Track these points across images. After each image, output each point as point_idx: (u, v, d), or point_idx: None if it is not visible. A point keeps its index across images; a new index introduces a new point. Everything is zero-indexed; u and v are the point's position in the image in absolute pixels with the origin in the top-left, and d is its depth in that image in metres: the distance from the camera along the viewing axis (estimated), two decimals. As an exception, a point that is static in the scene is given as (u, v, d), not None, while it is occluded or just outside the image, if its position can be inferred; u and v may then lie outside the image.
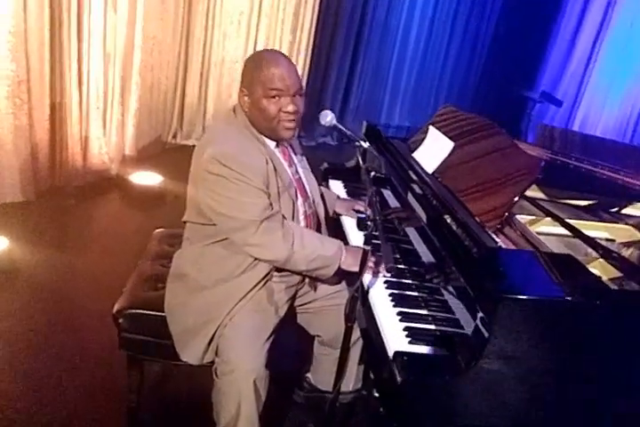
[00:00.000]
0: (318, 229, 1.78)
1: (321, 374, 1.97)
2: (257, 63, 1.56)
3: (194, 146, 5.05)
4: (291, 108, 1.53)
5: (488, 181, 1.70)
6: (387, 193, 2.18)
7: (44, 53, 3.06)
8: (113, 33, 3.59)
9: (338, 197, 2.06)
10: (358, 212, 2.00)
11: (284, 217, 1.60)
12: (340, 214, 2.03)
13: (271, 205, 1.56)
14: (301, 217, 1.69)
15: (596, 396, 1.34)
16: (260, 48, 4.96)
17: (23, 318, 2.30)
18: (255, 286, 1.61)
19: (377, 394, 1.98)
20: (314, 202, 1.76)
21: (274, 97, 1.52)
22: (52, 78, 3.18)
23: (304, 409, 1.99)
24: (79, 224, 3.21)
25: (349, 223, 1.96)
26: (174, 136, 4.91)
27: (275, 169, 1.58)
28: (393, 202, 2.12)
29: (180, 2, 4.39)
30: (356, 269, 1.54)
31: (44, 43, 3.04)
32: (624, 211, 2.13)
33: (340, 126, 1.42)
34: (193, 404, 1.91)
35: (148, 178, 3.76)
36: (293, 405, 2.00)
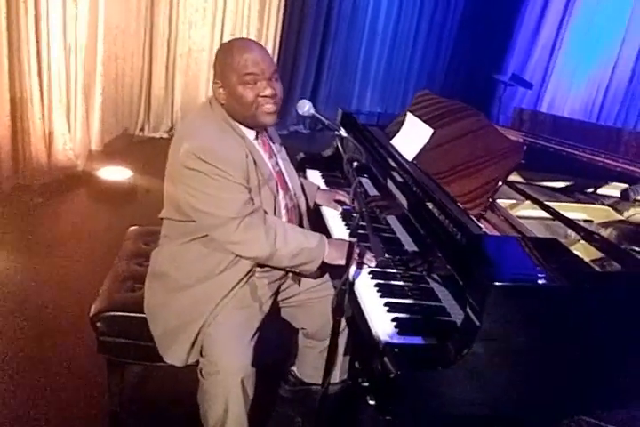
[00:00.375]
0: (300, 223, 1.74)
1: (306, 367, 1.97)
2: (227, 52, 1.51)
3: (162, 138, 4.95)
4: (268, 91, 1.48)
5: (465, 162, 1.69)
6: (364, 181, 2.15)
7: (1, 45, 2.91)
8: (73, 22, 3.45)
9: (318, 187, 2.02)
10: (339, 202, 1.97)
11: (265, 212, 1.55)
12: (321, 205, 1.99)
13: (252, 200, 1.51)
14: (283, 211, 1.64)
15: (586, 376, 1.35)
16: (227, 36, 4.88)
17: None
18: (238, 283, 1.57)
19: (365, 384, 1.99)
20: (295, 194, 1.72)
21: (249, 83, 1.47)
22: (10, 72, 3.04)
23: (291, 403, 1.98)
24: (47, 224, 3.09)
25: (330, 215, 1.92)
26: (142, 129, 4.80)
27: (255, 162, 1.54)
28: (372, 191, 2.09)
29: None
30: (341, 262, 1.53)
31: (0, 34, 2.89)
32: (600, 191, 2.15)
33: (319, 115, 1.38)
34: (177, 405, 1.87)
35: (116, 173, 3.66)
36: (279, 399, 1.98)
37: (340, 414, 1.92)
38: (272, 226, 1.51)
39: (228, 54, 1.49)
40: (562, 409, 1.43)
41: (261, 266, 1.62)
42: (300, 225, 1.74)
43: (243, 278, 1.57)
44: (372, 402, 1.88)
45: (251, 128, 1.58)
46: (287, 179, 1.70)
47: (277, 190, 1.62)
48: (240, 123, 1.56)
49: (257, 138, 1.61)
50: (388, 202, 1.83)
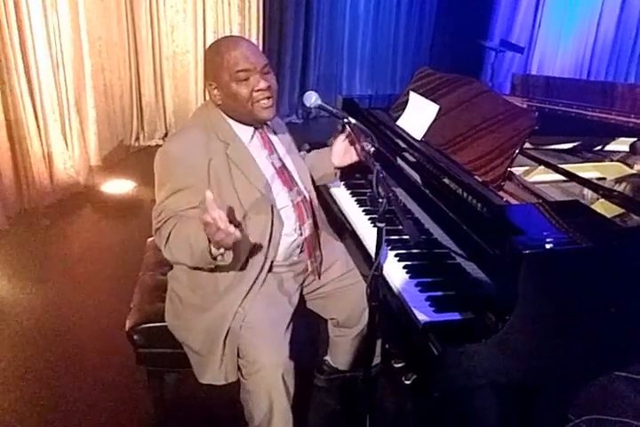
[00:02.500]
0: (314, 215, 1.73)
1: (340, 356, 1.98)
2: (216, 51, 1.51)
3: (158, 146, 4.94)
4: (263, 84, 1.47)
5: (471, 128, 1.69)
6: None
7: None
8: (57, 39, 3.41)
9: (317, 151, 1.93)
10: (353, 145, 1.77)
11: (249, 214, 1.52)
12: (341, 168, 1.86)
13: (201, 209, 1.43)
14: (290, 208, 1.62)
15: (621, 330, 1.36)
16: (209, 34, 4.84)
17: (22, 357, 2.16)
18: (250, 289, 1.56)
19: (398, 365, 2.01)
20: (305, 188, 1.70)
21: (242, 79, 1.47)
22: (2, 95, 3.02)
23: (327, 392, 2.00)
24: (60, 245, 3.08)
25: (346, 203, 1.91)
26: (137, 138, 4.78)
27: (233, 165, 1.52)
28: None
29: (120, -2, 4.21)
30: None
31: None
32: (608, 148, 2.14)
33: (325, 105, 1.37)
34: (220, 407, 1.88)
35: (119, 186, 3.67)
36: (315, 389, 2.00)
37: (376, 396, 1.94)
38: (167, 232, 1.45)
39: (217, 54, 1.49)
40: (599, 366, 1.45)
41: (279, 266, 1.63)
42: (314, 218, 1.73)
43: (250, 289, 1.56)
44: (407, 382, 1.91)
45: (250, 125, 1.58)
46: (293, 173, 1.68)
47: (282, 187, 1.61)
48: (239, 121, 1.56)
49: (253, 137, 1.59)
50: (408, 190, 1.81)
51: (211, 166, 1.49)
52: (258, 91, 1.48)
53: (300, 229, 1.65)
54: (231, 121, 1.56)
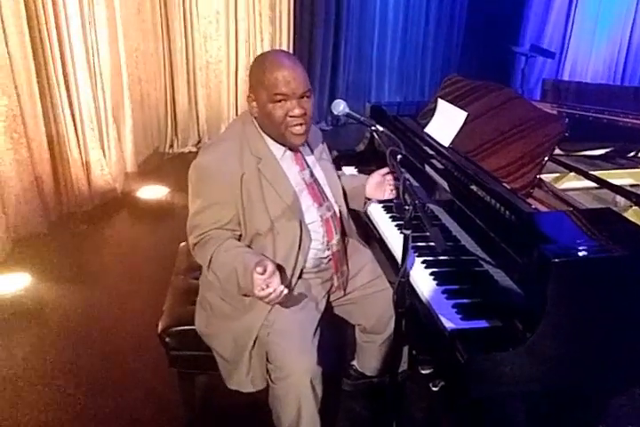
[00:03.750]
0: (343, 230, 1.74)
1: (367, 361, 1.98)
2: (260, 67, 1.49)
3: (191, 153, 5.01)
4: (297, 111, 1.47)
5: (499, 134, 1.68)
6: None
7: (32, 84, 3.01)
8: (95, 52, 3.53)
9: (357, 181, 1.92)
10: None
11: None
12: (373, 200, 1.87)
13: (232, 222, 1.54)
14: (318, 223, 1.63)
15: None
16: (241, 43, 4.93)
17: (61, 357, 2.25)
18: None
19: (425, 371, 2.00)
20: (336, 202, 1.71)
21: (279, 101, 1.47)
22: (43, 107, 3.14)
23: (355, 397, 2.00)
24: (96, 249, 3.18)
25: (378, 215, 1.91)
26: (171, 146, 4.89)
27: (264, 180, 1.54)
28: (411, 181, 2.09)
29: (155, 10, 4.33)
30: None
31: (30, 73, 2.98)
32: (642, 154, 2.10)
33: (353, 113, 1.39)
34: (249, 411, 1.89)
35: (153, 192, 3.74)
36: (343, 394, 2.01)
37: (403, 402, 1.94)
38: (212, 252, 1.52)
39: (260, 70, 1.48)
40: (630, 375, 1.42)
41: (312, 267, 1.65)
42: (343, 232, 1.75)
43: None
44: (434, 388, 1.91)
45: (282, 145, 1.59)
46: (325, 188, 1.69)
47: (312, 203, 1.62)
48: (271, 137, 1.57)
49: (285, 153, 1.60)
50: (436, 197, 1.81)
51: (243, 181, 1.51)
52: (292, 116, 1.48)
53: (328, 244, 1.66)
54: (265, 136, 1.58)
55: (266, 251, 1.56)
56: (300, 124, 1.50)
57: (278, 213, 1.54)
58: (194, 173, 1.54)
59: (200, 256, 1.56)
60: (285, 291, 1.37)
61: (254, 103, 1.53)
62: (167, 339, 1.67)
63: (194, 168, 1.54)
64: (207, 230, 1.53)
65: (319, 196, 1.65)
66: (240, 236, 1.58)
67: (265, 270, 1.34)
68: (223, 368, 1.63)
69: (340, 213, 1.73)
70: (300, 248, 1.58)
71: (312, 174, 1.66)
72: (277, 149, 1.59)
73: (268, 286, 1.35)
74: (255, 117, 1.57)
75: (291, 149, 1.61)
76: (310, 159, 1.69)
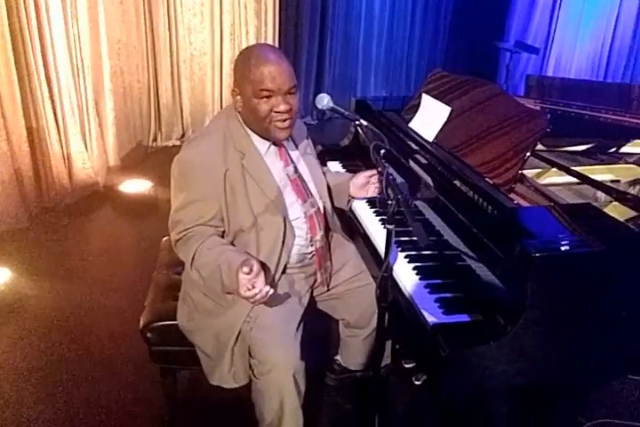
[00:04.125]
0: (327, 226, 1.74)
1: (351, 356, 1.99)
2: (246, 62, 1.47)
3: (175, 146, 4.97)
4: (283, 107, 1.45)
5: (483, 130, 1.69)
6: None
7: (11, 76, 2.96)
8: (77, 43, 3.47)
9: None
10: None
11: (244, 231, 1.55)
12: (357, 198, 1.85)
13: (216, 219, 1.53)
14: (302, 219, 1.62)
15: (632, 335, 1.36)
16: (226, 36, 4.89)
17: (41, 352, 2.22)
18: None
19: (408, 365, 2.02)
20: (320, 198, 1.71)
21: (264, 97, 1.45)
22: (23, 99, 3.08)
23: (338, 391, 2.01)
24: (77, 243, 3.14)
25: (362, 210, 1.91)
26: (155, 139, 4.84)
27: (248, 176, 1.52)
28: (396, 176, 2.09)
29: (139, 1, 4.27)
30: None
31: (9, 65, 2.93)
32: (622, 150, 2.12)
33: (337, 107, 1.38)
34: (231, 405, 1.89)
35: (136, 186, 3.71)
36: (326, 388, 2.02)
37: (386, 396, 1.95)
38: (195, 249, 1.50)
39: (245, 65, 1.46)
40: (610, 370, 1.44)
41: (296, 262, 1.65)
42: (327, 228, 1.74)
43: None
44: (417, 382, 1.92)
45: (266, 140, 1.57)
46: (309, 184, 1.68)
47: (295, 199, 1.61)
48: (255, 133, 1.56)
49: (269, 148, 1.58)
50: (419, 192, 1.82)
51: (227, 177, 1.50)
52: (277, 112, 1.46)
53: (312, 240, 1.66)
54: (249, 131, 1.56)
55: (249, 247, 1.55)
56: (285, 120, 1.48)
57: (262, 210, 1.53)
58: (177, 168, 1.52)
59: (183, 253, 1.55)
60: (271, 291, 1.36)
61: (239, 97, 1.51)
62: (149, 334, 1.66)
63: (177, 163, 1.52)
64: (190, 227, 1.51)
65: (303, 192, 1.64)
66: (223, 232, 1.57)
67: (251, 270, 1.33)
68: (205, 364, 1.62)
69: (325, 209, 1.73)
70: (283, 244, 1.57)
71: (296, 170, 1.65)
72: (261, 145, 1.57)
73: (253, 287, 1.34)
74: (239, 112, 1.54)
75: (275, 144, 1.59)
76: (295, 155, 1.68)
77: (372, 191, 1.75)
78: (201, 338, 1.61)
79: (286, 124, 1.50)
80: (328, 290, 1.79)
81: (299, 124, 1.71)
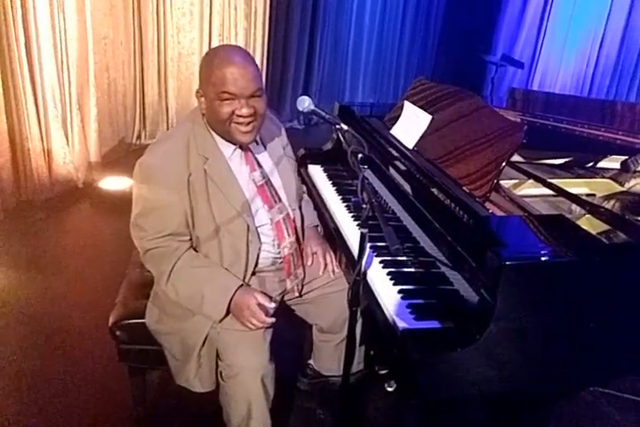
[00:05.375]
0: (296, 235, 1.70)
1: (324, 361, 1.98)
2: (209, 63, 1.43)
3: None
4: (245, 111, 1.41)
5: (465, 144, 1.70)
6: (367, 172, 2.16)
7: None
8: (63, 37, 3.44)
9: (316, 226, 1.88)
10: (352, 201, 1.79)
11: (194, 247, 1.54)
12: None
13: (188, 227, 1.50)
14: (268, 226, 1.59)
15: (599, 346, 1.38)
16: (215, 37, 4.88)
17: (10, 346, 2.18)
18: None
19: (382, 372, 2.01)
20: (289, 205, 1.66)
21: (226, 99, 1.41)
22: (5, 91, 3.04)
23: (310, 396, 2.00)
24: (53, 239, 3.10)
25: (336, 207, 1.91)
26: (138, 137, 4.80)
27: (210, 181, 1.49)
28: (374, 181, 2.10)
29: (127, -1, 4.25)
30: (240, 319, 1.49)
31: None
32: (599, 164, 2.16)
33: (319, 110, 1.37)
34: (200, 407, 1.87)
35: (116, 183, 3.67)
36: (298, 393, 2.00)
37: (359, 402, 1.95)
38: (170, 270, 1.49)
39: (208, 66, 1.42)
40: (577, 380, 1.46)
41: (267, 265, 1.63)
42: (297, 237, 1.70)
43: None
44: (389, 389, 1.92)
45: (232, 143, 1.54)
46: (279, 190, 1.64)
47: (261, 205, 1.57)
48: (219, 135, 1.52)
49: (234, 153, 1.54)
50: (397, 198, 1.83)
51: (190, 182, 1.46)
52: (239, 115, 1.42)
53: (279, 247, 1.63)
54: (214, 134, 1.52)
55: (212, 255, 1.53)
56: (248, 123, 1.45)
57: (224, 217, 1.49)
58: (138, 173, 1.47)
59: (153, 266, 1.53)
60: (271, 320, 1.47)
61: (202, 99, 1.47)
62: (118, 332, 1.63)
63: (138, 167, 1.47)
64: (156, 238, 1.47)
65: (270, 198, 1.60)
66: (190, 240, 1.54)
67: (267, 314, 1.45)
68: (173, 366, 1.61)
69: (295, 215, 1.69)
70: (248, 252, 1.54)
71: (264, 176, 1.60)
72: (226, 148, 1.53)
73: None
74: (203, 114, 1.51)
75: (241, 148, 1.56)
76: (263, 158, 1.64)
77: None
78: (168, 340, 1.59)
79: (249, 127, 1.45)
80: (300, 296, 1.77)
81: (270, 126, 1.68)
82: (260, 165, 1.61)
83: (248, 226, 1.53)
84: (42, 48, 3.24)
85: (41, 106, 3.31)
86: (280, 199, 1.64)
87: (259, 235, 1.57)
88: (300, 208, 1.77)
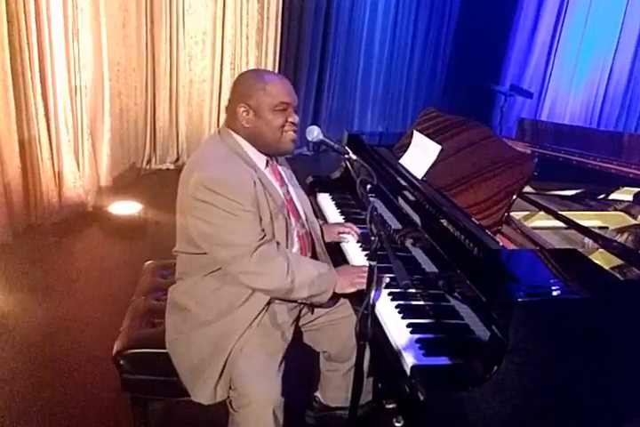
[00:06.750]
0: (314, 249, 1.74)
1: (330, 391, 1.94)
2: (258, 77, 1.57)
3: (169, 170, 4.97)
4: (296, 118, 1.57)
5: (472, 173, 1.70)
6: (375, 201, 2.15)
7: (7, 90, 2.97)
8: (77, 62, 3.51)
9: (324, 223, 2.02)
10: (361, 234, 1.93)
11: (277, 243, 1.56)
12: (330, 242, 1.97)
13: (263, 230, 1.52)
14: (295, 239, 1.65)
15: (616, 386, 1.32)
16: (226, 65, 4.97)
17: (14, 371, 2.17)
18: (258, 314, 1.56)
19: (390, 406, 1.96)
20: (307, 220, 1.73)
21: (281, 110, 1.54)
22: (18, 114, 3.08)
23: (317, 430, 1.94)
24: (62, 263, 3.10)
25: (351, 250, 1.91)
26: (148, 162, 4.85)
27: (265, 190, 1.55)
28: (383, 211, 2.09)
29: (141, 26, 4.35)
30: (349, 289, 1.56)
31: (6, 79, 2.95)
32: (611, 196, 2.14)
33: (327, 140, 1.39)
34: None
35: (126, 207, 3.68)
36: (305, 426, 1.95)
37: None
38: (285, 256, 1.52)
39: (259, 80, 1.55)
40: (594, 422, 1.40)
41: None
42: (314, 251, 1.73)
43: (263, 309, 1.56)
44: (397, 424, 1.86)
45: (266, 154, 1.61)
46: (298, 206, 1.71)
47: (290, 218, 1.63)
48: (258, 148, 1.59)
49: (267, 166, 1.63)
50: (406, 229, 1.82)
51: (256, 189, 1.51)
52: (290, 123, 1.56)
53: None
54: (248, 149, 1.59)
55: None
56: (294, 131, 1.59)
57: (277, 225, 1.56)
58: (211, 187, 1.44)
59: (265, 265, 1.49)
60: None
61: (246, 114, 1.55)
62: (121, 361, 1.61)
63: (207, 183, 1.44)
64: (253, 242, 1.47)
65: (296, 212, 1.67)
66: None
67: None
68: (189, 380, 1.56)
69: (313, 233, 1.74)
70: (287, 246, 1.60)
71: (289, 191, 1.69)
72: (260, 162, 1.61)
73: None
74: (246, 128, 1.56)
75: (269, 161, 1.63)
76: (285, 177, 1.72)
77: (335, 239, 1.93)
78: (188, 350, 1.56)
79: (295, 136, 1.60)
80: (311, 321, 1.76)
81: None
82: (284, 182, 1.69)
83: (287, 233, 1.59)
84: (56, 73, 3.31)
85: (53, 130, 3.36)
86: (300, 215, 1.70)
87: (294, 243, 1.63)
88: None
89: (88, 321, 2.52)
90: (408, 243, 1.79)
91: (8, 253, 3.06)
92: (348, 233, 1.94)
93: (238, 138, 1.59)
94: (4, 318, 2.49)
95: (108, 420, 1.95)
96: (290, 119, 1.56)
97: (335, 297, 1.68)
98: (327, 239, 1.93)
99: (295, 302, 1.66)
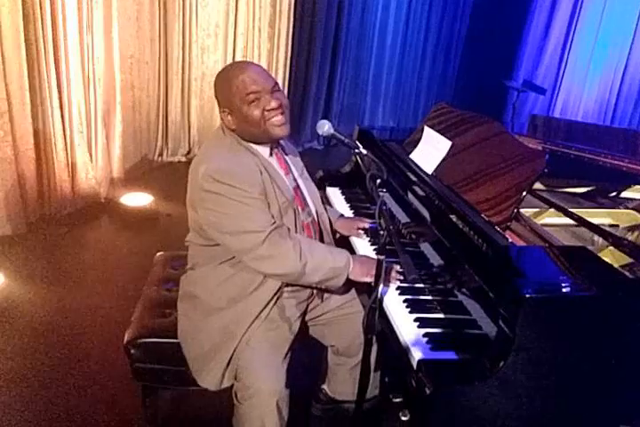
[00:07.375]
0: (321, 239, 1.74)
1: (337, 385, 1.94)
2: (224, 78, 1.54)
3: (180, 162, 5.00)
4: (273, 103, 1.50)
5: (483, 169, 1.69)
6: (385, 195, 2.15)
7: (23, 82, 3.00)
8: (90, 55, 3.53)
9: (341, 215, 2.00)
10: (364, 230, 1.93)
11: (288, 229, 1.57)
12: (343, 235, 1.96)
13: (273, 216, 1.53)
14: (299, 227, 1.64)
15: (622, 384, 1.33)
16: (239, 58, 4.98)
17: (26, 358, 2.21)
18: (268, 303, 1.57)
19: (396, 400, 1.97)
20: (315, 211, 1.73)
21: (253, 101, 1.49)
22: (32, 106, 3.12)
23: (323, 421, 1.96)
24: (74, 253, 3.14)
25: (359, 243, 1.92)
26: (160, 154, 4.88)
27: (271, 178, 1.55)
28: (392, 205, 2.09)
29: (154, 19, 4.36)
30: (366, 279, 1.54)
31: (22, 71, 2.98)
32: (623, 194, 2.13)
33: (338, 134, 1.39)
34: (211, 427, 1.87)
35: (138, 199, 3.71)
36: (311, 418, 1.97)
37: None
38: (297, 241, 1.52)
39: (225, 80, 1.52)
40: (598, 419, 1.40)
41: (289, 285, 1.62)
42: (322, 241, 1.73)
43: (272, 299, 1.58)
44: (404, 418, 1.87)
45: (265, 144, 1.60)
46: (305, 194, 1.70)
47: (296, 206, 1.63)
48: (254, 142, 1.58)
49: (271, 155, 1.62)
50: (419, 228, 1.83)
51: (263, 178, 1.52)
52: (269, 110, 1.50)
53: None
54: (247, 145, 1.58)
55: None
56: (280, 115, 1.52)
57: (285, 212, 1.56)
58: (219, 178, 1.46)
59: (276, 249, 1.49)
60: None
61: (229, 116, 1.53)
62: (132, 351, 1.63)
63: (213, 175, 1.46)
64: (265, 228, 1.48)
65: (302, 200, 1.66)
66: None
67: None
68: (195, 364, 1.59)
69: (319, 222, 1.73)
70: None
71: (295, 179, 1.68)
72: (264, 152, 1.60)
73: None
74: (233, 130, 1.56)
75: (273, 150, 1.62)
76: (292, 165, 1.71)
77: (353, 234, 1.92)
78: (198, 337, 1.58)
79: (282, 119, 1.53)
80: (320, 315, 1.77)
81: (289, 144, 1.77)
82: (291, 170, 1.68)
83: (295, 221, 1.59)
84: (70, 65, 3.33)
85: (67, 121, 3.39)
86: (308, 204, 1.69)
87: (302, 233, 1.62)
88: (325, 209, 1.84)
89: (99, 311, 2.56)
90: (417, 238, 1.79)
91: (21, 243, 3.10)
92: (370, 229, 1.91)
93: (236, 137, 1.59)
94: (17, 307, 2.53)
95: (118, 408, 1.98)
96: (267, 107, 1.49)
97: (349, 284, 1.69)
98: (345, 233, 1.92)
99: (310, 287, 1.66)
